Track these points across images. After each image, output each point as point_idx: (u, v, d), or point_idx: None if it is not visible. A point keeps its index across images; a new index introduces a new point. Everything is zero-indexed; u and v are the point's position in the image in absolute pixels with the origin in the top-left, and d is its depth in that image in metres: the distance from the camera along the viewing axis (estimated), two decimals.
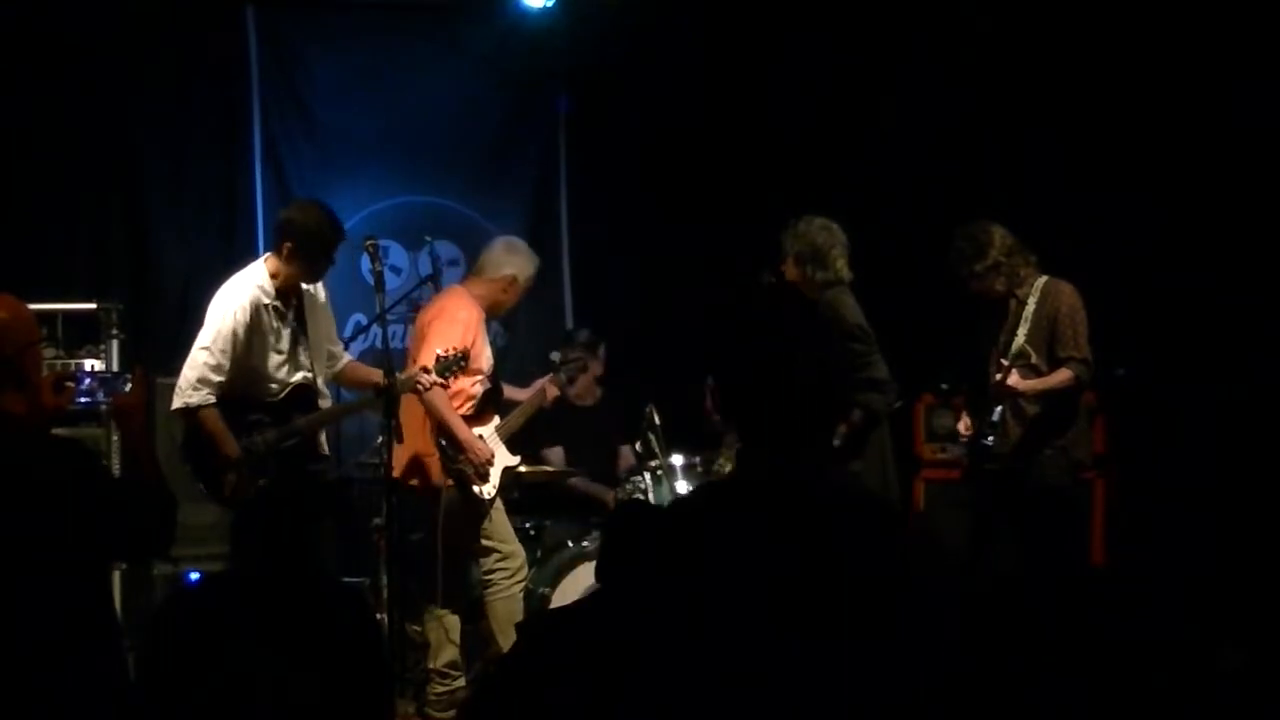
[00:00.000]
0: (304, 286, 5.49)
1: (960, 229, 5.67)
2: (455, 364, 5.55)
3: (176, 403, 5.36)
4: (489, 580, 5.84)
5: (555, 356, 6.50)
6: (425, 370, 5.53)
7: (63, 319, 6.28)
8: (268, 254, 5.49)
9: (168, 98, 7.19)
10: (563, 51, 7.67)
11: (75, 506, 3.28)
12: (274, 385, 5.45)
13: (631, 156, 7.67)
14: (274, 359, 5.43)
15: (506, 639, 5.64)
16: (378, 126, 7.50)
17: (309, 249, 5.37)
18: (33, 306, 3.60)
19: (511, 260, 5.96)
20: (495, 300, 5.94)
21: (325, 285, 5.64)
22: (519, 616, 5.76)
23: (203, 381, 5.30)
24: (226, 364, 5.31)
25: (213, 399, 5.32)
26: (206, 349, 5.33)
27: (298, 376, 5.49)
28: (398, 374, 5.51)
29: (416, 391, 5.58)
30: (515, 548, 5.90)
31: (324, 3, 7.62)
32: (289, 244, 5.36)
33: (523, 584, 5.91)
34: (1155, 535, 6.62)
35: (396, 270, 7.40)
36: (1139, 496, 6.74)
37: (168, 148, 7.25)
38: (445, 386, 5.64)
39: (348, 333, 6.63)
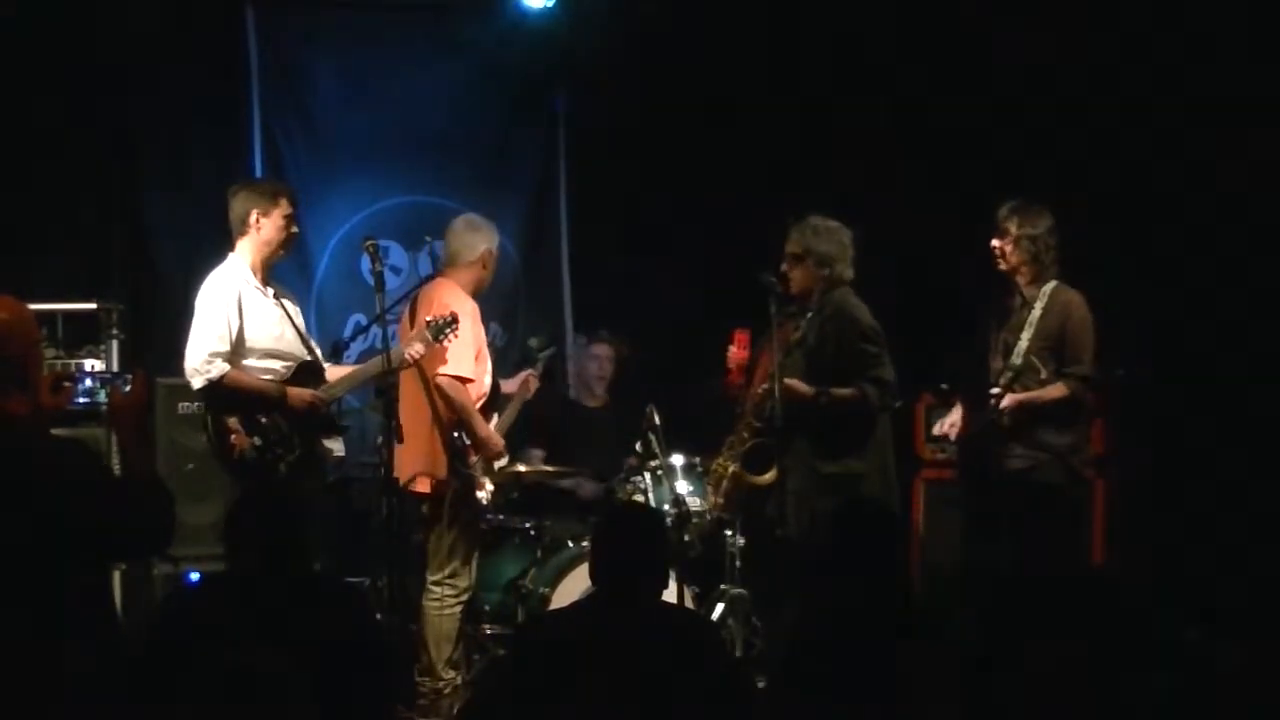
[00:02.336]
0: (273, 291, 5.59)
1: (1019, 199, 5.73)
2: (447, 326, 5.57)
3: (198, 383, 5.39)
4: (431, 591, 5.77)
5: (534, 342, 6.52)
6: (427, 323, 5.57)
7: (63, 319, 6.29)
8: (238, 244, 5.57)
9: (168, 98, 7.18)
10: (563, 51, 7.67)
11: (76, 506, 3.28)
12: (280, 364, 5.51)
13: (631, 156, 7.67)
14: (272, 330, 5.52)
15: (439, 653, 5.69)
16: (378, 126, 7.49)
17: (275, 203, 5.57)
18: (33, 306, 3.61)
19: (480, 236, 5.97)
20: (478, 279, 5.95)
21: (294, 300, 5.77)
22: (450, 637, 5.74)
23: (213, 354, 5.36)
24: (228, 336, 5.38)
25: (228, 366, 5.38)
26: (204, 328, 5.40)
27: (299, 350, 5.54)
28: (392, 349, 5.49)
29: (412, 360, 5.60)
30: (470, 570, 5.83)
31: (324, 3, 7.61)
32: (255, 210, 5.52)
33: (460, 610, 5.80)
34: (1155, 535, 6.62)
35: (396, 270, 7.39)
36: (1139, 496, 6.74)
37: (168, 148, 7.25)
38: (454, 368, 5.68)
39: (348, 333, 6.63)
